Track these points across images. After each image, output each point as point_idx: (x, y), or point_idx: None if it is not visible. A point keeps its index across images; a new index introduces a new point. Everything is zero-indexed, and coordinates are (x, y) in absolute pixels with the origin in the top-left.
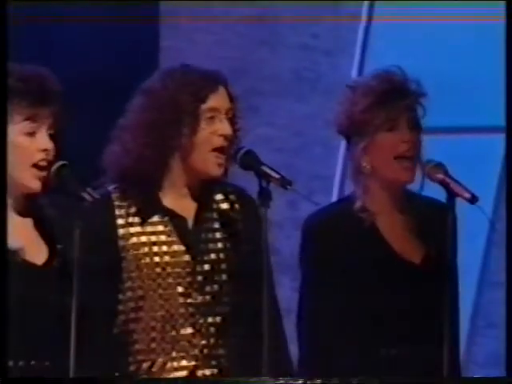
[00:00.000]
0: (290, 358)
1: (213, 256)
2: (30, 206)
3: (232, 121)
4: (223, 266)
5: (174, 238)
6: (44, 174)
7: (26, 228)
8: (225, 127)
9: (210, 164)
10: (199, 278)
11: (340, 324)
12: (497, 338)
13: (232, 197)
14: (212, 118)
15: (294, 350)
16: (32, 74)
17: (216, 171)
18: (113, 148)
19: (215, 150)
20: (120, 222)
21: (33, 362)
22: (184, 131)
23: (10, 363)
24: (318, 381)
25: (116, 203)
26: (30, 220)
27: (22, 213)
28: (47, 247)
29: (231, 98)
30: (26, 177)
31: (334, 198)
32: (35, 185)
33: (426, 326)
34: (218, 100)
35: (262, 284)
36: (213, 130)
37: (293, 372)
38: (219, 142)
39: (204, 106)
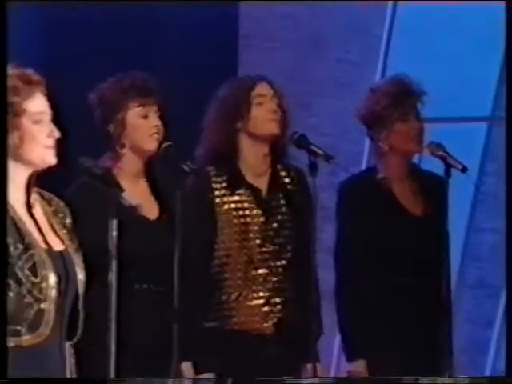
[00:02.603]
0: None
1: (279, 217)
2: (147, 171)
3: (278, 105)
4: (287, 224)
5: (253, 205)
6: (159, 141)
7: (143, 190)
8: (272, 106)
9: (268, 126)
10: (270, 233)
11: (364, 257)
12: (481, 268)
13: (292, 173)
14: (261, 103)
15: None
16: (137, 75)
17: (274, 129)
18: (202, 143)
19: (269, 120)
20: (217, 192)
21: (146, 286)
22: (243, 114)
23: (137, 286)
24: None
25: (213, 179)
26: (146, 183)
27: (142, 177)
28: (158, 205)
29: (274, 89)
30: (147, 144)
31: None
32: (154, 147)
33: (427, 259)
34: (262, 89)
35: (311, 233)
36: (263, 109)
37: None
38: (270, 115)
39: (253, 93)
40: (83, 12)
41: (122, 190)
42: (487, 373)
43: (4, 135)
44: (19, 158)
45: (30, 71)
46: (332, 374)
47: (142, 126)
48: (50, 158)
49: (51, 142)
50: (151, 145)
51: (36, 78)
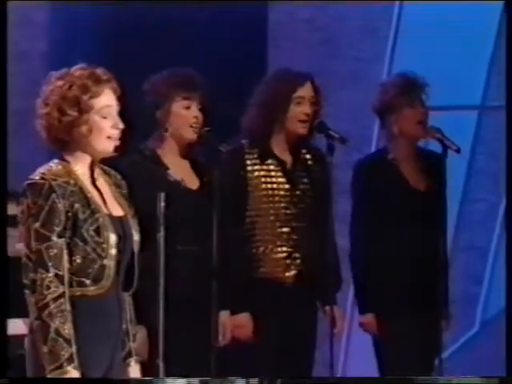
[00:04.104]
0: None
1: (301, 186)
2: (188, 152)
3: (314, 104)
4: (307, 193)
5: (280, 174)
6: (197, 131)
7: (185, 167)
8: (306, 108)
9: (298, 129)
10: (294, 199)
11: (376, 224)
12: (472, 232)
13: (313, 152)
14: (299, 102)
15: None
16: (184, 71)
17: (301, 132)
18: (244, 121)
19: (300, 121)
20: (248, 162)
21: (187, 248)
22: (282, 111)
23: (179, 247)
24: None
25: (247, 151)
26: (188, 162)
27: (183, 156)
28: (198, 178)
29: (316, 90)
30: (186, 132)
31: (372, 150)
32: (192, 135)
33: (428, 225)
34: (303, 91)
35: (329, 202)
36: (299, 110)
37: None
38: (303, 117)
39: (294, 95)
40: (135, 16)
41: (168, 168)
42: (476, 323)
43: (4, 134)
44: (86, 148)
45: (99, 70)
46: (346, 323)
47: (184, 116)
48: (110, 149)
49: (115, 132)
50: (189, 134)
51: (105, 76)
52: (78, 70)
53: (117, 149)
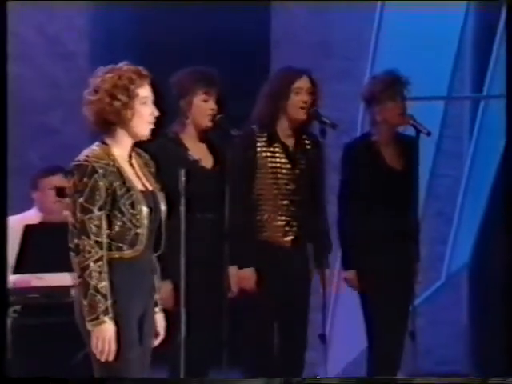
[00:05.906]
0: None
1: (302, 166)
2: (204, 136)
3: (311, 94)
4: (305, 171)
5: (283, 156)
6: (212, 120)
7: (203, 148)
8: (304, 97)
9: (299, 115)
10: (294, 176)
11: (360, 197)
12: (438, 202)
13: (311, 137)
14: (297, 92)
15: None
16: (205, 69)
17: (301, 117)
18: (254, 112)
19: (300, 108)
20: (258, 144)
21: (205, 215)
22: (284, 99)
23: (198, 215)
24: None
25: (257, 134)
26: (205, 144)
27: (201, 140)
28: (213, 158)
29: (312, 82)
30: (204, 121)
31: (358, 134)
32: (209, 123)
33: (403, 198)
34: (301, 83)
35: (322, 180)
36: (298, 99)
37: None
38: (301, 104)
39: (292, 86)
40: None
41: (188, 149)
42: (443, 276)
43: (4, 133)
44: (128, 130)
45: (140, 67)
46: (335, 279)
47: (202, 108)
48: (147, 132)
49: (152, 118)
50: (205, 122)
51: (145, 72)
52: (124, 65)
53: (152, 133)
